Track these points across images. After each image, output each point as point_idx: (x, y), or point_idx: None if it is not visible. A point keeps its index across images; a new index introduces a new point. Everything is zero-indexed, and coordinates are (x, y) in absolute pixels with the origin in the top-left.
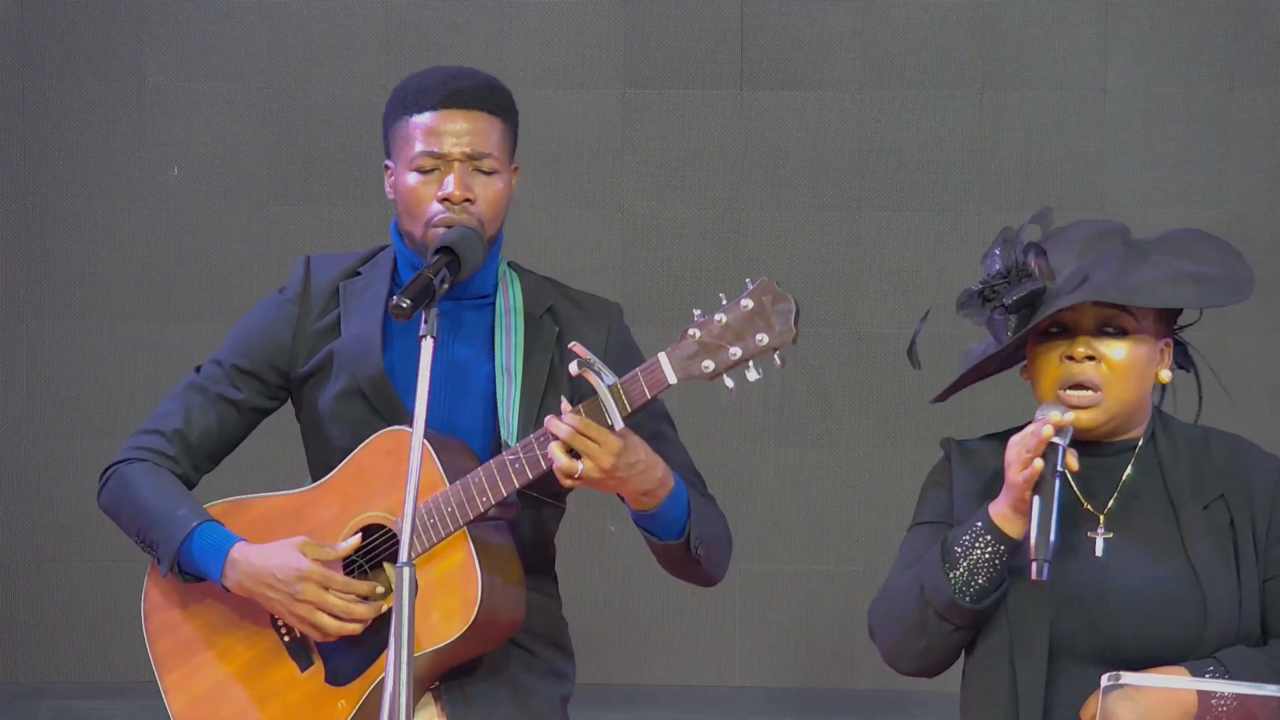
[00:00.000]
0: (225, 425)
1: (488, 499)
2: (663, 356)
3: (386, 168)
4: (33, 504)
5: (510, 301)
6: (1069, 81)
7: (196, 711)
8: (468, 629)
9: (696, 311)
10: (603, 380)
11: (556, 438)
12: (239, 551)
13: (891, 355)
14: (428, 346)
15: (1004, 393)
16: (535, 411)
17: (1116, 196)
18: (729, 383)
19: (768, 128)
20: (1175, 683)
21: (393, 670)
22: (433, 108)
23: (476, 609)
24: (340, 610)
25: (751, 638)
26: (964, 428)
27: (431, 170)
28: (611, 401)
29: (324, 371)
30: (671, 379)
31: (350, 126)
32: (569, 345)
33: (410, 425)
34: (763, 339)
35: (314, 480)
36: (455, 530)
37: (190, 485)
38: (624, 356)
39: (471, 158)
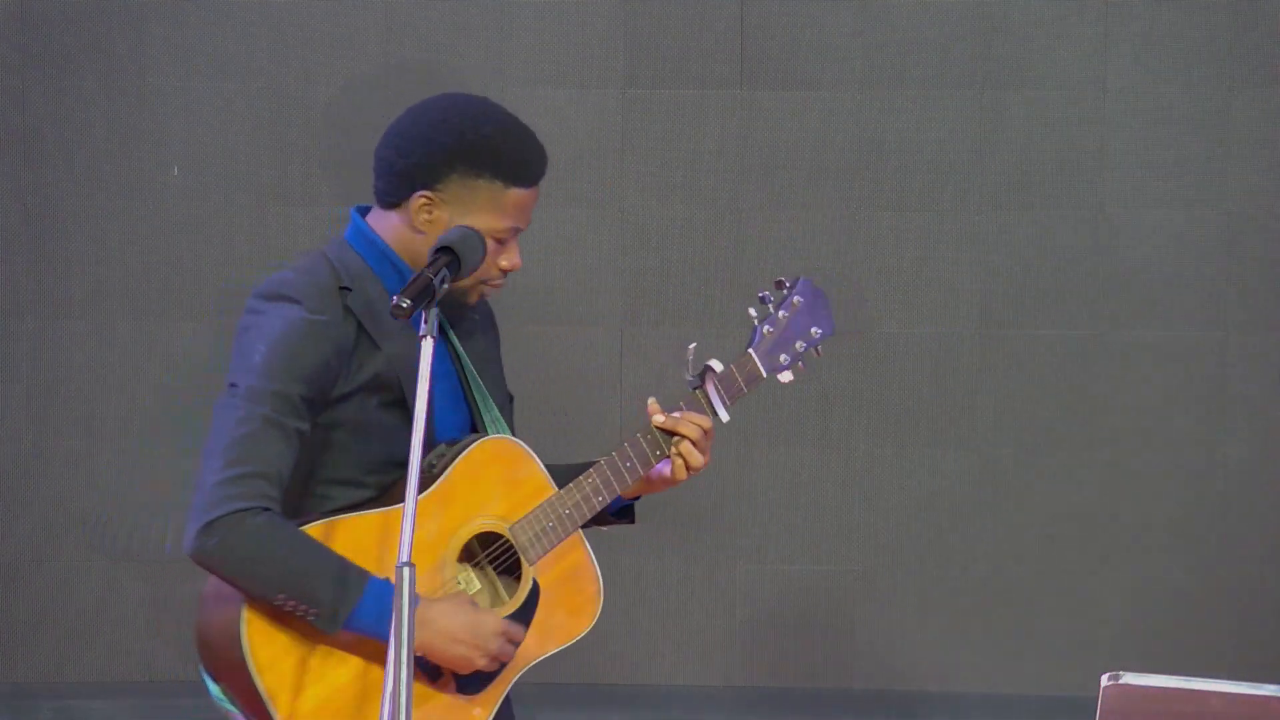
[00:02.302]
0: (294, 458)
1: (603, 498)
2: (752, 352)
3: (425, 199)
4: (33, 504)
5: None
6: (1069, 81)
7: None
8: (591, 627)
9: (753, 310)
10: (716, 376)
11: (684, 436)
12: (423, 614)
13: (891, 355)
14: (428, 346)
15: (1004, 394)
16: (502, 399)
17: (1116, 196)
18: (788, 378)
19: (768, 128)
20: (1175, 682)
21: (393, 670)
22: (531, 184)
23: (599, 605)
24: (504, 655)
25: (751, 638)
26: (964, 427)
27: (505, 241)
28: (719, 398)
29: (366, 388)
30: (764, 373)
31: (351, 126)
32: (689, 346)
33: (500, 436)
34: (817, 331)
35: (323, 493)
36: (574, 530)
37: None
38: (493, 330)
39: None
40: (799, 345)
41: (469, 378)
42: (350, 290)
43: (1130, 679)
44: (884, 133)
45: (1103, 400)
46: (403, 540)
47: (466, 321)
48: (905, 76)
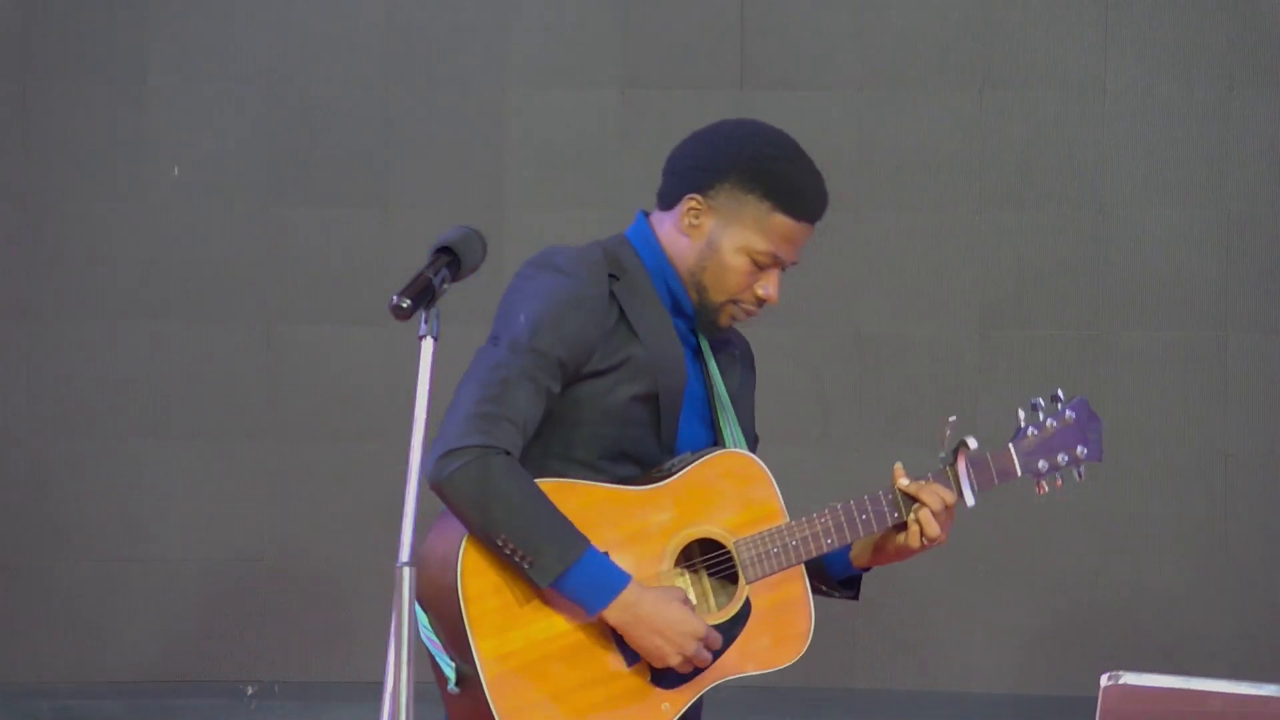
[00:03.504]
0: (540, 416)
1: (832, 541)
2: (1012, 447)
3: (695, 202)
4: (33, 504)
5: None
6: (1069, 81)
7: (513, 682)
8: (796, 661)
9: (1021, 412)
10: (968, 457)
11: (925, 505)
12: (634, 596)
13: (891, 355)
14: (427, 347)
15: (1004, 394)
16: (748, 437)
17: (1116, 196)
18: (1044, 488)
19: None
20: (1175, 682)
21: (393, 670)
22: (805, 219)
23: (807, 644)
24: (702, 661)
25: None
26: (964, 428)
27: (764, 267)
28: (969, 481)
29: (617, 372)
30: (1019, 471)
31: (350, 126)
32: (949, 419)
33: (744, 452)
34: (1082, 451)
35: (545, 455)
36: (795, 564)
37: None
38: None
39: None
40: (1061, 458)
41: (719, 404)
42: (618, 279)
43: (1130, 679)
44: (884, 133)
45: (1103, 400)
46: (402, 540)
47: (726, 354)
48: (905, 76)
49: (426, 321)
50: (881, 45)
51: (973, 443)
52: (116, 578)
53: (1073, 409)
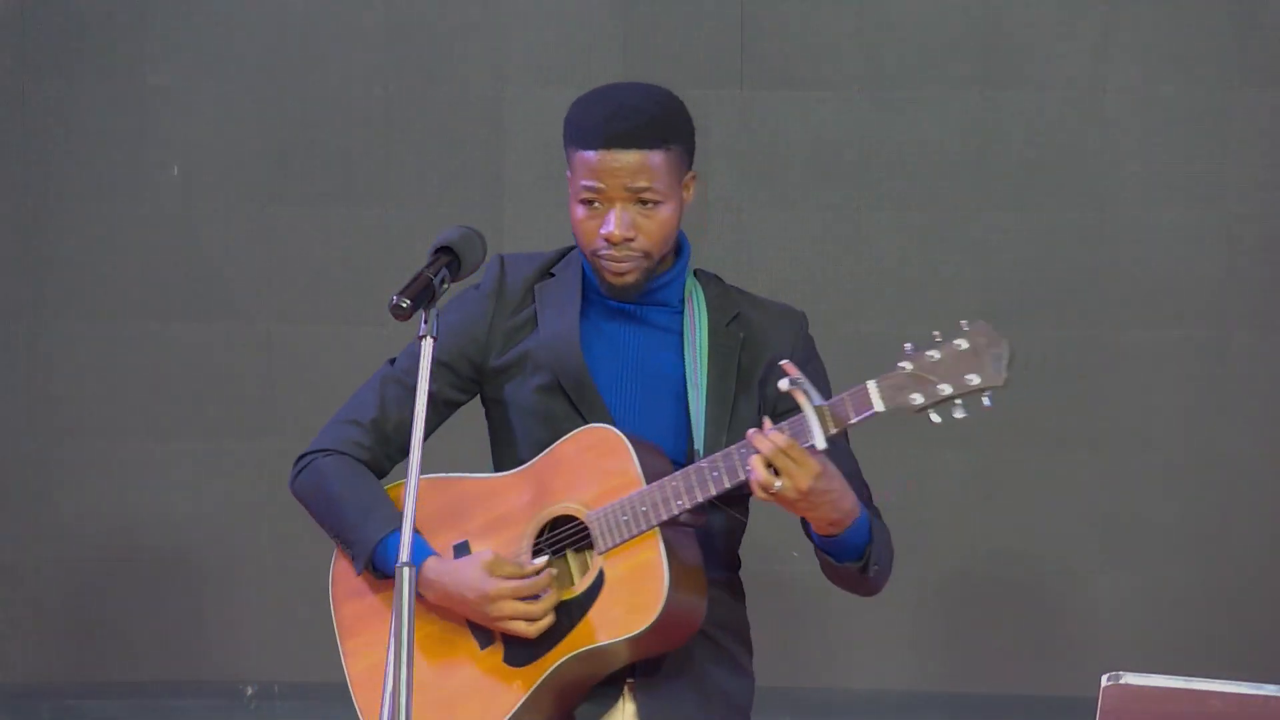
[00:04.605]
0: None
1: (683, 503)
2: (871, 384)
3: (568, 178)
4: (33, 504)
5: (695, 312)
6: (1069, 81)
7: (374, 678)
8: (649, 627)
9: (908, 345)
10: (810, 400)
11: (759, 451)
12: (433, 571)
13: (891, 355)
14: (427, 346)
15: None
16: (725, 422)
17: (1116, 196)
18: (935, 418)
19: (768, 128)
20: (1175, 682)
21: (393, 670)
22: (593, 146)
23: (661, 608)
24: (535, 614)
25: (751, 638)
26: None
27: (595, 204)
28: (816, 422)
29: (519, 366)
30: (879, 406)
31: (350, 126)
32: (780, 363)
33: (610, 424)
34: (973, 379)
35: (499, 468)
36: (648, 529)
37: (382, 475)
38: (807, 365)
39: (631, 192)
40: (943, 389)
41: (691, 387)
42: (554, 276)
43: (1130, 679)
44: (884, 133)
45: (1103, 400)
46: (402, 541)
47: (723, 337)
48: (905, 76)
49: (426, 321)
50: (881, 45)
51: (816, 399)
52: (116, 578)
53: (966, 337)
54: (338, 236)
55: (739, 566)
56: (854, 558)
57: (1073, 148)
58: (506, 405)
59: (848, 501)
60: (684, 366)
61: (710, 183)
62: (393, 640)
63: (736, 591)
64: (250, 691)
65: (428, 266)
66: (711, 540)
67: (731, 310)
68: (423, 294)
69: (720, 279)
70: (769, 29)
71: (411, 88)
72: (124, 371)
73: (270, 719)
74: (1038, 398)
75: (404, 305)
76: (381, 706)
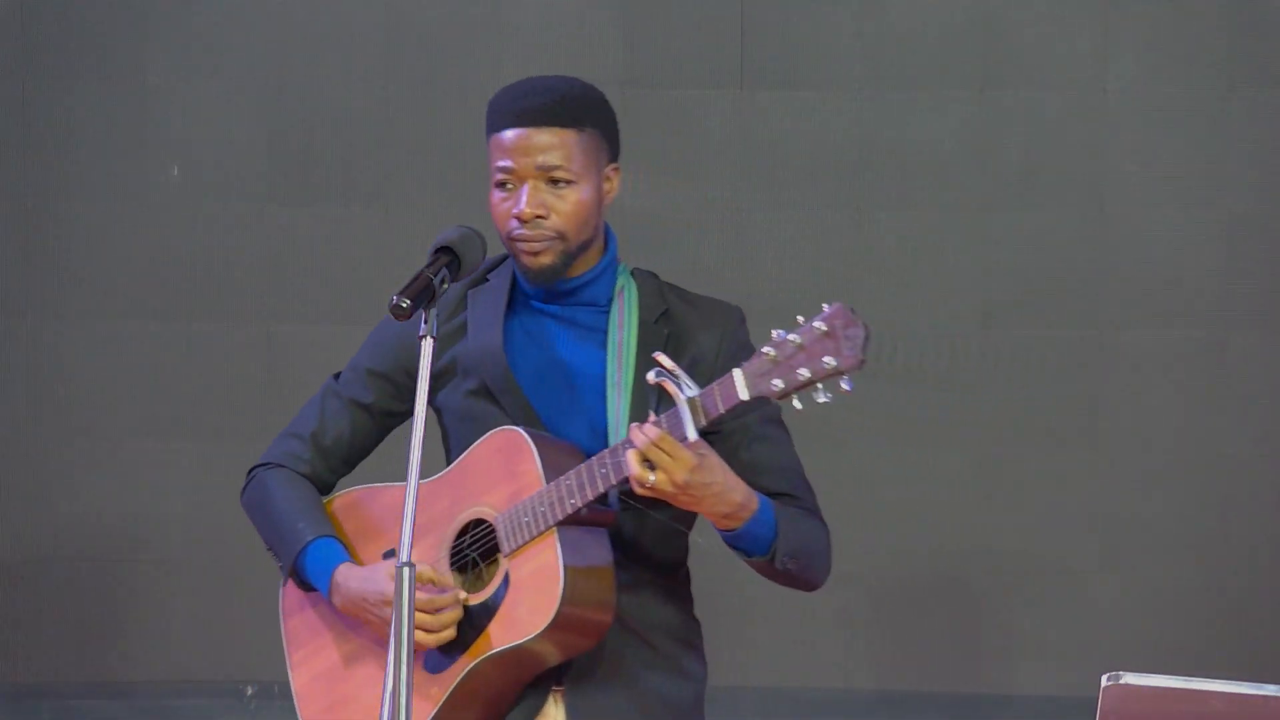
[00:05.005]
0: (358, 429)
1: (575, 500)
2: (737, 372)
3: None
4: (33, 504)
5: (625, 309)
6: (1069, 81)
7: (314, 689)
8: (545, 628)
9: (775, 331)
10: (682, 392)
11: (634, 445)
12: (342, 576)
13: (892, 355)
14: (427, 347)
15: (1004, 394)
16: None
17: (1116, 196)
18: (796, 404)
19: (768, 128)
20: (1175, 682)
21: (393, 670)
22: (507, 126)
23: (555, 609)
24: (432, 625)
25: (752, 638)
26: (964, 427)
27: (509, 185)
28: (688, 414)
29: (450, 373)
30: (743, 395)
31: (350, 127)
32: (653, 355)
33: (529, 429)
34: (830, 362)
35: None
36: (546, 529)
37: (326, 488)
38: (737, 361)
39: (542, 170)
40: (801, 374)
41: (610, 384)
42: (488, 281)
43: (1130, 679)
44: (884, 133)
45: (1103, 400)
46: (403, 541)
47: (657, 327)
48: (905, 76)
49: (426, 321)
50: (881, 45)
51: (688, 391)
52: (116, 578)
53: (823, 320)
54: (338, 236)
55: (678, 568)
56: (761, 551)
57: (1073, 148)
58: (444, 411)
59: (737, 494)
60: (607, 365)
61: (710, 183)
62: (392, 640)
63: (674, 593)
64: (250, 691)
65: (428, 266)
66: (641, 541)
67: (660, 307)
68: (423, 294)
69: (656, 276)
70: (769, 29)
71: (411, 88)
72: (124, 371)
73: (270, 719)
74: (1038, 398)
75: (404, 305)
76: (382, 707)
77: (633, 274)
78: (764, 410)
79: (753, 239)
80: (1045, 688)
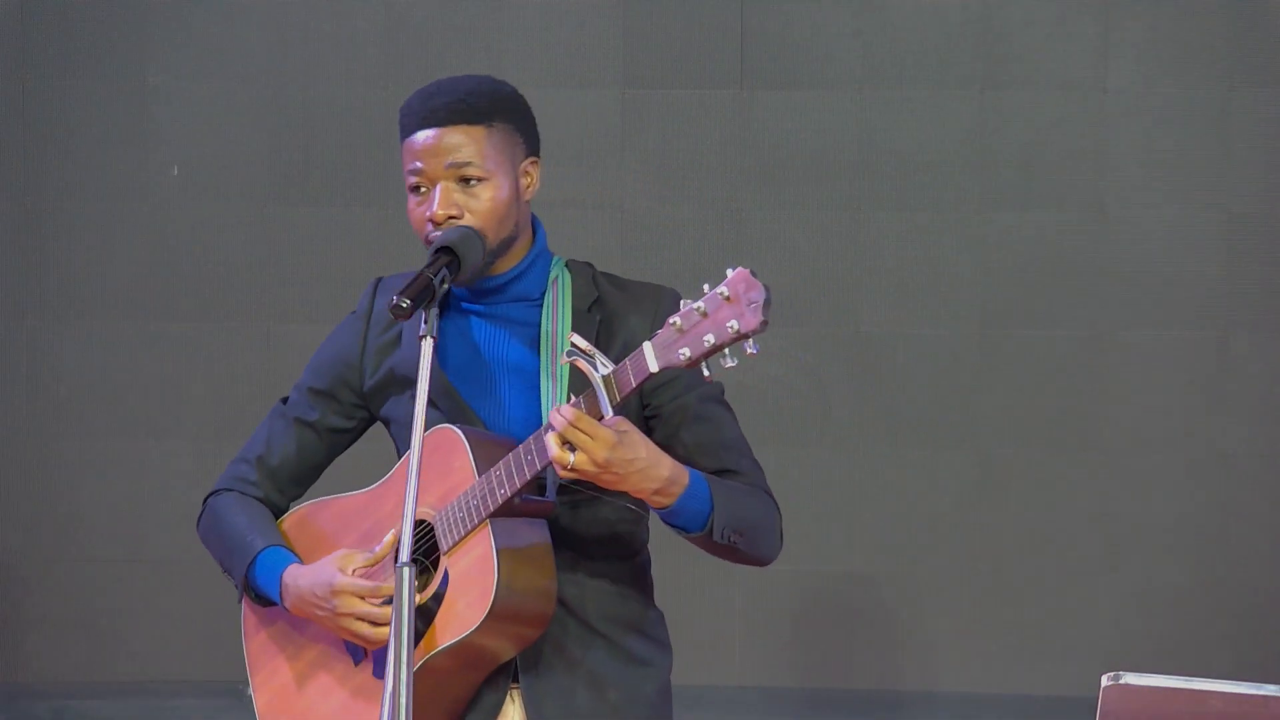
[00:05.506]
0: (304, 448)
1: (505, 490)
2: (646, 345)
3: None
4: (33, 504)
5: (559, 300)
6: (1069, 81)
7: (274, 705)
8: (483, 621)
9: (683, 302)
10: (596, 371)
11: (553, 428)
12: (290, 575)
13: (891, 355)
14: (428, 346)
15: (1004, 394)
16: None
17: (1116, 196)
18: (705, 371)
19: (768, 128)
20: (1175, 682)
21: (392, 670)
22: (415, 129)
23: (491, 601)
24: (378, 617)
25: (751, 638)
26: (964, 427)
27: (422, 189)
28: (604, 392)
29: (389, 383)
30: (653, 366)
31: (350, 126)
32: (568, 335)
33: (463, 425)
34: (734, 326)
35: None
36: (479, 523)
37: (278, 510)
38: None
39: (453, 169)
40: (708, 340)
41: (544, 375)
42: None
43: (1130, 679)
44: (884, 133)
45: (1103, 400)
46: (403, 541)
47: (590, 318)
48: (905, 76)
49: (426, 321)
50: (881, 45)
51: (602, 369)
52: (116, 578)
53: (726, 285)
54: (338, 236)
55: (631, 557)
56: (699, 526)
57: (1073, 148)
58: (390, 422)
59: (663, 469)
60: (541, 357)
61: (710, 183)
62: (392, 640)
63: (628, 582)
64: (250, 691)
65: (428, 266)
66: (587, 531)
67: (592, 295)
68: (423, 294)
69: (592, 265)
70: (769, 29)
71: (411, 88)
72: (124, 371)
73: None
74: (1038, 398)
75: (404, 305)
76: (382, 707)
77: (567, 265)
78: (703, 389)
79: (753, 239)
80: (1045, 687)
